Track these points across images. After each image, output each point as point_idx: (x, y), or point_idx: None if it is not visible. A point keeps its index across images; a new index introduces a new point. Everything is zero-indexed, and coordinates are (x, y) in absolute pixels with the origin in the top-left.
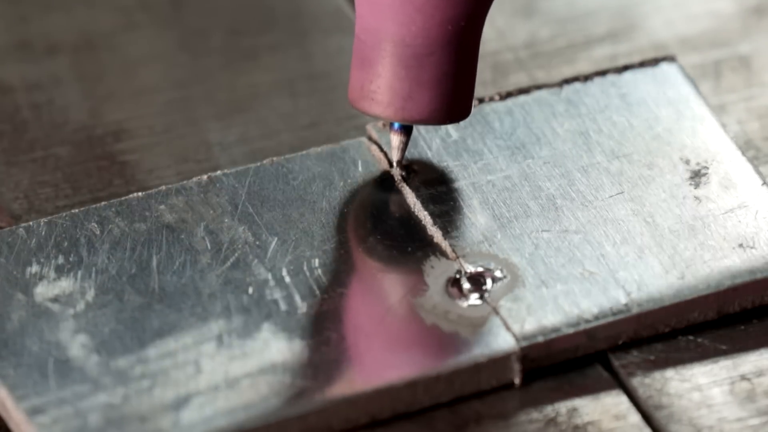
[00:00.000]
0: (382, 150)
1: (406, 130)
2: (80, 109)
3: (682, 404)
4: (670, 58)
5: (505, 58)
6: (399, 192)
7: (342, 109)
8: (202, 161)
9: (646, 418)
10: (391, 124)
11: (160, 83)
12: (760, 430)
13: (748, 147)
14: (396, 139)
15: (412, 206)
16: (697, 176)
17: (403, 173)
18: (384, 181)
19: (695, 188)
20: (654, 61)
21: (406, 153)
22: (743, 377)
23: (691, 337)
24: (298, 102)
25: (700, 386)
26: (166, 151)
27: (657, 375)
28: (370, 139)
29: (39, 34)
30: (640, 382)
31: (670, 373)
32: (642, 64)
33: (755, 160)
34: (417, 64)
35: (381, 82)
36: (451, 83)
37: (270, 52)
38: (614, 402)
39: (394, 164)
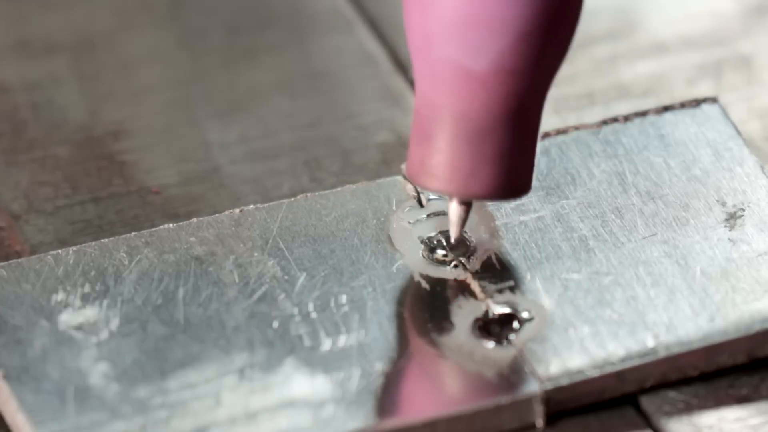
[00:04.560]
0: (416, 189)
1: (466, 205)
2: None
3: None
4: (711, 100)
5: None
6: None
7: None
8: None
9: None
10: (450, 198)
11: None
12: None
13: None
14: (455, 214)
15: None
16: (732, 218)
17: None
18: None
19: (730, 230)
20: (695, 102)
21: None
22: None
23: (727, 380)
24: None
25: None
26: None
27: (687, 418)
28: (406, 178)
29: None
30: (672, 425)
31: (703, 416)
32: (683, 105)
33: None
34: (479, 139)
35: (442, 157)
36: (514, 159)
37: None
38: None
39: (452, 240)
